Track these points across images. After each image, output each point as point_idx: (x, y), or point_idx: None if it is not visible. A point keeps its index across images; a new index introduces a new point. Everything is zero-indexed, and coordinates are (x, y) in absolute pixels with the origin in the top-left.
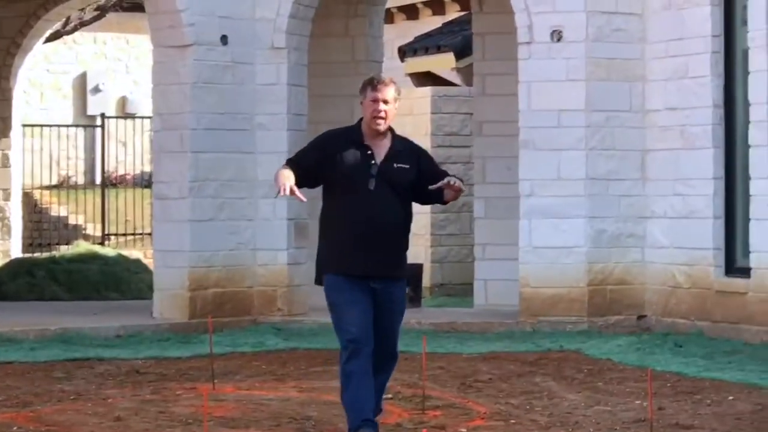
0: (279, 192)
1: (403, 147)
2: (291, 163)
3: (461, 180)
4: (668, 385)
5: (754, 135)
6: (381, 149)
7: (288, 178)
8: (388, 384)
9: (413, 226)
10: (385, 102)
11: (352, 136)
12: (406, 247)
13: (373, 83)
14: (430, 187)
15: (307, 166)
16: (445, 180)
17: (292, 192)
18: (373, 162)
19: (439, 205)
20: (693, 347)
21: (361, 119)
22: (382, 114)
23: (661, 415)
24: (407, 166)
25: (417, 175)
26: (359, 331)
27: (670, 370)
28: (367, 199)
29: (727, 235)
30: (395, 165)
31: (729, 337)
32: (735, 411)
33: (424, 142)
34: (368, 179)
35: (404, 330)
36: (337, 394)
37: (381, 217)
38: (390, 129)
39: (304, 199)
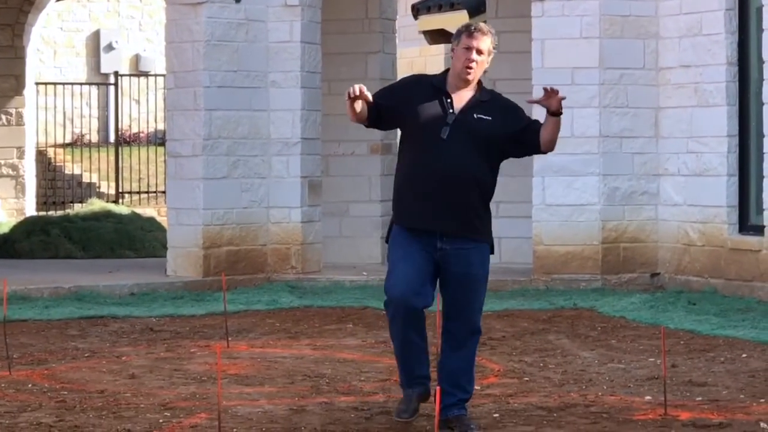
0: (350, 93)
1: (488, 98)
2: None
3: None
4: (682, 342)
5: None
6: (462, 99)
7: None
8: (475, 361)
9: None
10: (479, 52)
11: (434, 82)
12: (485, 207)
13: (469, 29)
14: (527, 100)
15: (384, 104)
16: (544, 92)
17: (361, 93)
18: (450, 111)
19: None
20: (706, 305)
21: (448, 70)
22: (473, 64)
23: (674, 372)
24: (489, 118)
25: (504, 130)
26: (404, 288)
27: (684, 328)
28: (438, 148)
29: (740, 192)
30: (475, 116)
31: (742, 294)
32: (748, 368)
33: None
34: (441, 128)
35: None
36: (351, 351)
37: (452, 169)
38: (478, 82)
39: (370, 99)
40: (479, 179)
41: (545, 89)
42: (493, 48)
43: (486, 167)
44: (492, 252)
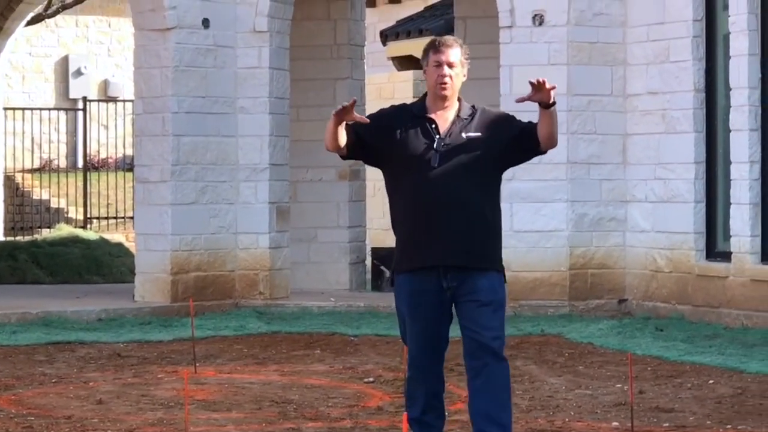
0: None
1: (472, 113)
2: (347, 126)
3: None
4: (649, 368)
5: (735, 119)
6: (447, 120)
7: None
8: (509, 394)
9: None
10: (450, 65)
11: (414, 110)
12: (492, 233)
13: (435, 45)
14: (516, 99)
15: (365, 133)
16: (532, 86)
17: (352, 106)
18: (437, 136)
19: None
20: (674, 331)
21: (425, 95)
22: (447, 79)
23: (641, 398)
24: (479, 134)
25: (497, 142)
26: (420, 350)
27: (651, 354)
28: (431, 177)
29: (707, 219)
30: (464, 135)
31: (709, 321)
32: (715, 395)
33: None
34: (431, 155)
35: (384, 314)
36: (318, 377)
37: (448, 197)
38: (459, 99)
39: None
40: (477, 203)
41: (531, 83)
42: (465, 58)
43: (485, 187)
44: (504, 280)
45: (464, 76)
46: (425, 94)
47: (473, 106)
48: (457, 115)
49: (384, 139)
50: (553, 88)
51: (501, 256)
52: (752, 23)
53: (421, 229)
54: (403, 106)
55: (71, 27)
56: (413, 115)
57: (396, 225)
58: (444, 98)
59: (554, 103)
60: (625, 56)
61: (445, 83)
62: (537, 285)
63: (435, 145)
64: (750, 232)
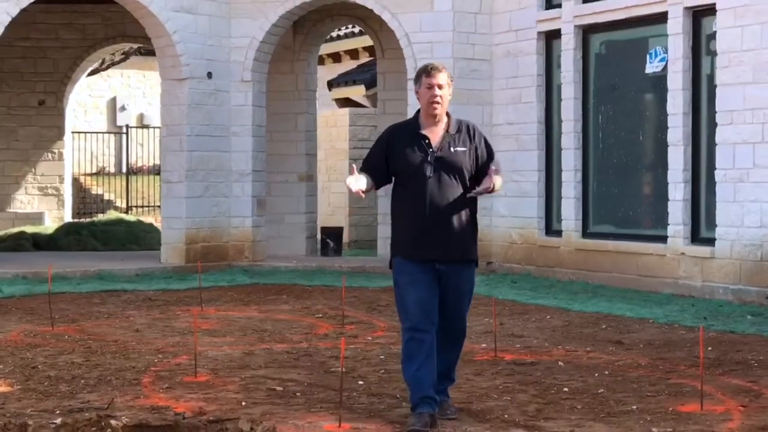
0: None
1: (458, 129)
2: (365, 169)
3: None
4: (506, 308)
5: (565, 141)
6: (437, 135)
7: (356, 181)
8: (458, 357)
9: (336, 198)
10: (440, 87)
11: (410, 128)
12: (471, 230)
13: (427, 70)
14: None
15: (378, 166)
16: (492, 168)
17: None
18: (431, 150)
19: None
20: (524, 283)
21: (419, 111)
22: (438, 99)
23: (502, 328)
24: (464, 148)
25: (477, 155)
26: (420, 314)
27: (508, 299)
28: (425, 185)
29: (546, 208)
30: (452, 149)
31: (547, 276)
32: (551, 326)
33: (344, 146)
34: (425, 166)
35: (329, 272)
36: (284, 314)
37: (438, 202)
38: (447, 114)
39: (363, 196)
40: (464, 207)
41: (488, 178)
42: (450, 80)
43: (467, 192)
44: (477, 266)
45: (449, 95)
46: (418, 111)
47: (459, 121)
48: (447, 131)
49: (392, 158)
50: (488, 189)
51: (477, 248)
52: (576, 77)
53: (418, 229)
54: (398, 125)
55: (118, 77)
56: (409, 132)
57: (396, 220)
58: (435, 116)
59: (480, 194)
60: (492, 99)
61: (438, 102)
62: None
63: (429, 158)
64: (574, 217)
